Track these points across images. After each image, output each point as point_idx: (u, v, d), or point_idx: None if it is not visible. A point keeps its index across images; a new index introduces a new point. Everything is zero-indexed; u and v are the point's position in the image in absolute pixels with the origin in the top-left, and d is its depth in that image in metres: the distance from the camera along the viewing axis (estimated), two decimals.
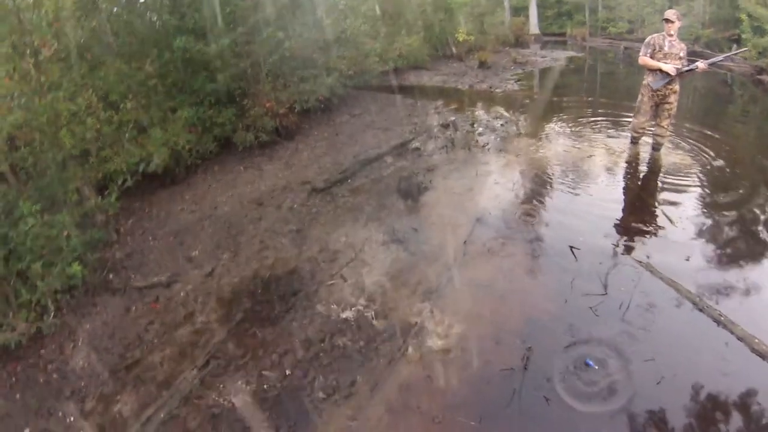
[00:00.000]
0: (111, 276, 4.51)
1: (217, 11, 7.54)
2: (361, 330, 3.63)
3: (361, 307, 3.87)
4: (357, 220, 5.28)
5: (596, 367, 3.07)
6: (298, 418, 2.98)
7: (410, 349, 3.40)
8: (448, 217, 5.12)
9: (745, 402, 2.76)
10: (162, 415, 3.12)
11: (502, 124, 7.90)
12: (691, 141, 6.42)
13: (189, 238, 5.11)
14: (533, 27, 24.66)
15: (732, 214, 4.75)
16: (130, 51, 7.06)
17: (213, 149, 7.06)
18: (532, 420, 2.79)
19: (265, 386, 3.22)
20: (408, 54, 13.71)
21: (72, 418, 3.20)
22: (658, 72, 5.47)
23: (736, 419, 2.66)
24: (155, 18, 7.87)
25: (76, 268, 4.02)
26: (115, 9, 7.50)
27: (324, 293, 4.09)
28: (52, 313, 3.85)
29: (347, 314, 3.81)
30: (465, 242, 4.60)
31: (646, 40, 5.61)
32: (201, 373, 3.36)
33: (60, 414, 3.23)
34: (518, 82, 11.46)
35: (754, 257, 4.12)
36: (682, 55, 5.44)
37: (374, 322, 3.71)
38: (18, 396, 3.36)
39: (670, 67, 5.36)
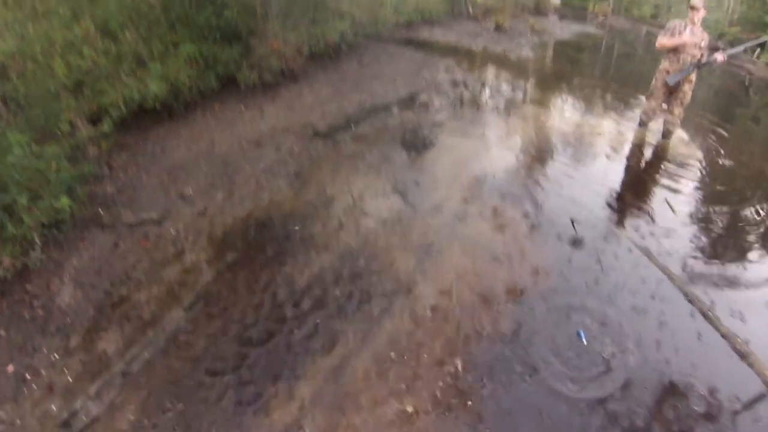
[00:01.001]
0: (101, 211, 4.37)
1: None
2: (354, 279, 3.51)
3: (355, 256, 3.74)
4: (358, 168, 5.08)
5: (585, 343, 3.01)
6: (284, 367, 2.90)
7: (402, 303, 3.30)
8: (450, 174, 4.92)
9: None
10: (147, 355, 3.05)
11: (512, 89, 7.55)
12: (701, 135, 6.07)
13: (183, 175, 4.94)
14: None
15: (733, 211, 4.53)
16: None
17: (214, 86, 6.77)
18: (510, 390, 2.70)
19: (251, 331, 3.13)
20: (423, 8, 13.13)
21: (56, 355, 3.13)
22: (675, 62, 5.16)
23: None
24: None
25: (65, 201, 3.88)
26: None
27: (319, 239, 3.95)
28: (39, 248, 3.74)
29: (342, 262, 3.69)
30: (466, 201, 4.41)
31: (668, 25, 5.26)
32: (188, 314, 3.27)
33: (44, 350, 3.17)
34: (533, 50, 10.94)
35: (751, 254, 3.98)
36: (702, 45, 5.09)
37: (368, 272, 3.58)
38: (2, 332, 3.29)
39: (686, 38, 5.03)
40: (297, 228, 4.07)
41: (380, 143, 5.61)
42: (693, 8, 5.07)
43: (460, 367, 2.86)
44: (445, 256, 3.74)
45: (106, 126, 5.12)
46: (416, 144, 5.59)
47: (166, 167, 5.08)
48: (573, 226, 4.08)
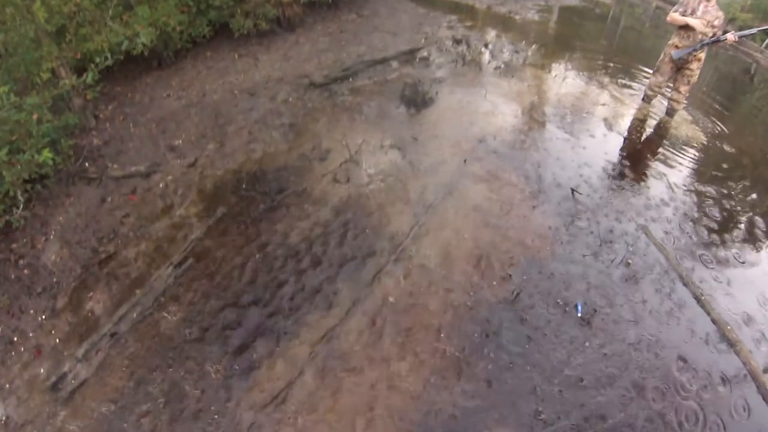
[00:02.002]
0: (87, 164, 4.20)
1: None
2: (349, 238, 3.36)
3: (351, 213, 3.58)
4: (355, 121, 4.84)
5: (579, 314, 2.89)
6: (277, 327, 2.80)
7: (396, 264, 3.16)
8: (450, 132, 4.67)
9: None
10: (135, 315, 2.94)
11: (515, 52, 7.13)
12: (704, 117, 5.67)
13: (173, 125, 4.72)
14: None
15: (728, 202, 4.20)
16: None
17: (206, 33, 6.43)
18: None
19: (242, 290, 3.02)
20: None
21: (44, 316, 3.04)
22: (684, 38, 4.76)
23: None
24: None
25: (47, 155, 3.68)
26: None
27: (313, 193, 3.78)
28: (22, 205, 3.58)
29: (337, 218, 3.53)
30: (465, 161, 4.19)
31: (681, 0, 4.82)
32: (176, 272, 3.14)
33: (31, 312, 3.08)
34: (539, 13, 10.37)
35: (746, 239, 3.73)
36: (716, 23, 4.67)
37: (363, 230, 3.43)
38: None
39: (697, 23, 4.63)
40: (290, 183, 3.89)
41: (379, 97, 5.34)
42: None
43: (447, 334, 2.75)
44: (442, 216, 3.56)
45: (90, 75, 4.86)
46: (416, 100, 5.31)
47: (155, 118, 4.86)
48: (573, 194, 3.87)
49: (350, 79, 5.77)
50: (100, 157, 4.29)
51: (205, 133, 4.59)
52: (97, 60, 5.03)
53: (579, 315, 2.87)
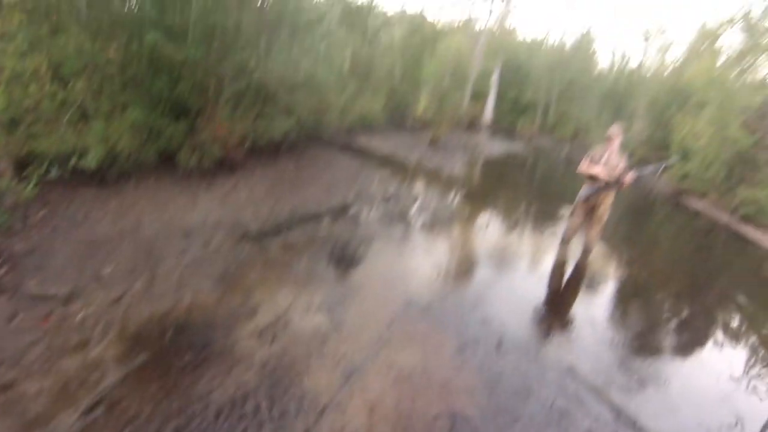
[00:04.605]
0: (3, 270, 3.97)
1: (198, 17, 7.37)
2: (274, 400, 3.40)
3: (276, 376, 3.64)
4: (285, 279, 5.09)
5: None
6: None
7: (320, 426, 3.22)
8: (378, 292, 5.05)
9: None
10: None
11: (443, 205, 8.13)
12: (616, 251, 7.01)
13: (103, 252, 4.66)
14: (488, 115, 26.66)
15: (651, 321, 5.33)
16: (99, 28, 6.64)
17: (153, 161, 6.65)
18: None
19: None
20: (366, 115, 13.96)
21: None
22: (591, 183, 6.02)
23: None
24: (135, 2, 7.49)
25: None
26: None
27: (240, 351, 3.83)
28: None
29: (262, 378, 3.57)
30: (392, 322, 4.54)
31: (590, 151, 6.16)
32: (83, 420, 2.96)
33: None
34: (464, 167, 11.96)
35: (671, 364, 4.60)
36: (619, 168, 5.96)
37: (289, 391, 3.49)
38: None
39: (601, 171, 5.88)
40: (218, 337, 3.92)
41: (309, 254, 5.68)
42: (609, 137, 5.96)
43: None
44: (368, 377, 3.73)
45: (32, 184, 4.79)
46: (345, 259, 5.72)
47: (85, 238, 4.78)
48: (498, 347, 4.29)
49: (283, 234, 6.12)
50: (19, 265, 4.09)
51: (135, 267, 4.57)
52: (42, 168, 5.03)
53: None
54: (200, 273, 4.79)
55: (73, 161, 5.38)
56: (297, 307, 4.59)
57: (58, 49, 5.99)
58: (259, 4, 8.77)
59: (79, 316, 3.78)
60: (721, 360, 4.93)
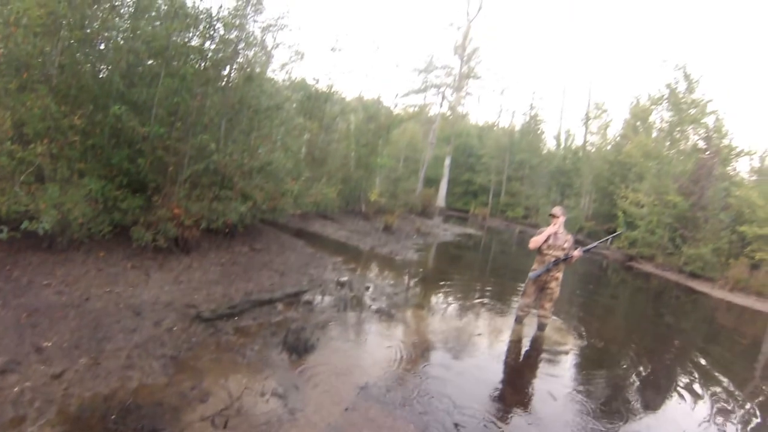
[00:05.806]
0: None
1: (163, 95, 7.50)
2: None
3: None
4: (238, 363, 4.84)
5: None
6: None
7: None
8: (332, 379, 4.86)
9: None
10: None
11: (396, 292, 8.12)
12: (572, 321, 7.13)
13: (46, 323, 4.33)
14: (441, 200, 27.63)
15: (609, 387, 5.35)
16: (67, 92, 6.62)
17: (106, 233, 6.41)
18: None
19: None
20: (320, 201, 14.14)
21: None
22: (540, 262, 6.29)
23: None
24: (105, 73, 7.56)
25: None
26: (73, 42, 6.86)
27: None
28: None
29: None
30: (346, 409, 4.35)
31: (539, 230, 6.46)
32: None
33: None
34: (418, 252, 12.13)
35: (636, 425, 4.60)
36: (566, 246, 6.27)
37: None
38: None
39: (551, 239, 6.14)
40: (166, 423, 3.63)
41: (263, 339, 5.47)
42: (553, 216, 6.24)
43: None
44: None
45: None
46: (298, 346, 5.52)
47: (27, 306, 4.46)
48: (457, 430, 4.15)
49: (236, 318, 5.93)
50: None
51: (79, 343, 4.26)
52: None
53: None
54: (150, 354, 4.50)
55: (25, 224, 5.13)
56: (251, 392, 4.36)
57: (23, 108, 5.91)
58: (222, 85, 9.07)
59: (16, 390, 3.44)
60: (684, 415, 5.05)
